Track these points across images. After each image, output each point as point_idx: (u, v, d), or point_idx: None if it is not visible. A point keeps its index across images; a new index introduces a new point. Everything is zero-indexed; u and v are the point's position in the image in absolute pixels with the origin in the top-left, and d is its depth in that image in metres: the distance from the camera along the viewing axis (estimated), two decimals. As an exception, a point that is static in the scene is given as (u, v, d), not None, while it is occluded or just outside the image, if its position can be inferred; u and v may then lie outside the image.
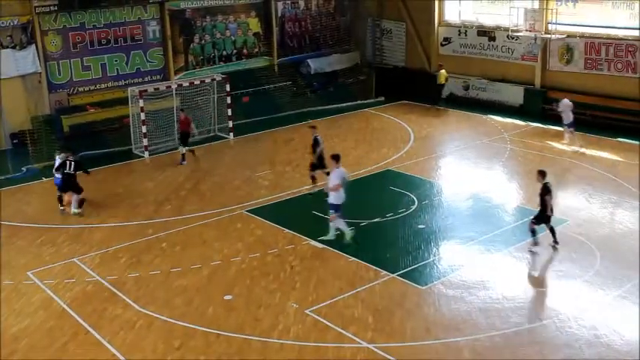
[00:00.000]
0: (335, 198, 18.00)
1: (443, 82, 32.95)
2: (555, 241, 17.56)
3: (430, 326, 14.37)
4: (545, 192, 17.20)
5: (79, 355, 13.77)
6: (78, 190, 21.27)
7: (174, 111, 28.35)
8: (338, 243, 18.20)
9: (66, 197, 21.49)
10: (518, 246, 17.87)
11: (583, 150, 25.46)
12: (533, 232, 17.56)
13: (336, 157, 18.42)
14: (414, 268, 16.84)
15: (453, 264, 17.20)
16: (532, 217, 17.71)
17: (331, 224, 18.39)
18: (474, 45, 33.70)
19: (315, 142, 21.88)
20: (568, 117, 25.91)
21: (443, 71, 32.77)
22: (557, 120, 27.34)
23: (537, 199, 17.47)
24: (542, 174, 17.48)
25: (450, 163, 25.41)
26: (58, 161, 21.40)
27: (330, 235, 18.42)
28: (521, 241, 18.02)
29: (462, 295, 15.56)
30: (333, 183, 18.02)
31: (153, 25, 31.47)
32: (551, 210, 17.34)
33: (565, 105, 26.08)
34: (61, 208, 21.42)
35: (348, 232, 18.29)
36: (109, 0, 29.57)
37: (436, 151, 26.72)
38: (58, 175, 21.25)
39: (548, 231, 17.62)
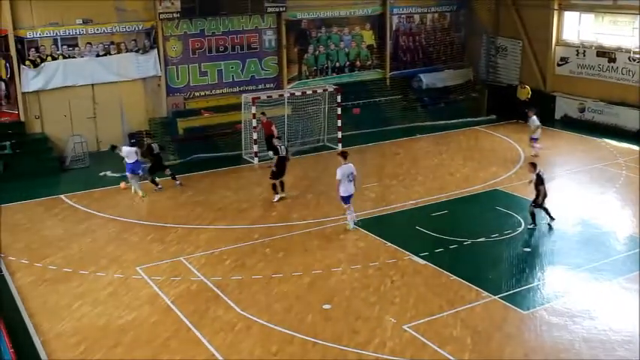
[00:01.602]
0: (341, 191, 20.00)
1: (522, 98, 32.97)
2: (551, 218, 20.47)
3: (530, 353, 14.01)
4: (540, 182, 20.22)
5: (179, 352, 14.19)
6: (164, 167, 24.91)
7: (285, 119, 28.85)
8: (440, 260, 18.06)
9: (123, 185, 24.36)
10: (628, 276, 17.19)
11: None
12: (533, 215, 20.30)
13: (343, 154, 20.69)
14: (516, 292, 16.48)
15: (558, 290, 16.73)
16: (531, 202, 20.46)
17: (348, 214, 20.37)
18: (592, 66, 32.67)
19: (275, 151, 22.93)
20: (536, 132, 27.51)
21: (526, 88, 33.10)
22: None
23: (533, 188, 20.44)
24: (533, 166, 20.62)
25: (561, 186, 24.65)
26: (128, 150, 24.01)
27: (350, 222, 20.36)
28: (632, 272, 17.35)
29: (565, 323, 15.10)
30: (336, 178, 19.96)
31: (269, 34, 32.13)
32: (544, 196, 20.24)
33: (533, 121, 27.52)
34: (159, 187, 24.31)
35: (351, 223, 20.24)
36: (229, 8, 30.38)
37: (546, 174, 25.98)
38: (131, 161, 23.72)
39: (544, 214, 20.42)
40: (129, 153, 23.87)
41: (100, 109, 28.87)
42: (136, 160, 23.80)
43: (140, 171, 24.07)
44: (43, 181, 24.88)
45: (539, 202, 20.30)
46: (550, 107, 33.60)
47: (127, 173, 23.92)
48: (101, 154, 28.36)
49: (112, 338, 14.71)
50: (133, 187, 23.83)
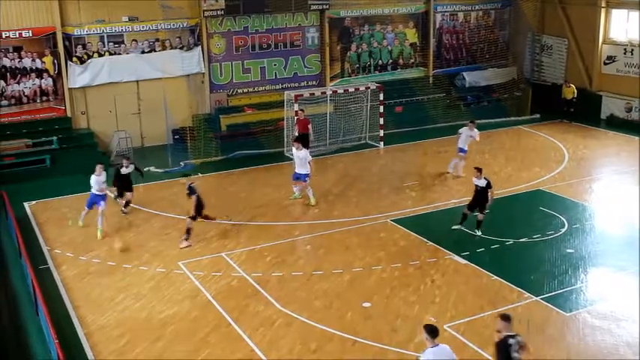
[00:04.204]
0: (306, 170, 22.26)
1: (568, 97, 32.51)
2: (461, 223, 19.95)
3: (572, 356, 13.83)
4: (489, 186, 19.41)
5: (219, 347, 14.30)
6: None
7: (328, 117, 28.88)
8: (481, 260, 17.93)
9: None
10: (674, 280, 16.89)
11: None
12: (479, 223, 19.70)
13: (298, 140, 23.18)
14: (559, 293, 16.27)
15: (602, 293, 16.48)
16: (478, 213, 19.62)
17: (297, 189, 22.71)
18: (640, 65, 32.13)
19: (191, 191, 19.57)
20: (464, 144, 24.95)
21: (571, 87, 32.58)
22: None
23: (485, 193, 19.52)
24: (479, 170, 19.62)
25: (606, 187, 24.30)
26: (102, 177, 20.69)
27: (297, 195, 22.80)
28: (679, 276, 17.04)
29: (609, 326, 14.87)
30: (309, 160, 22.21)
31: (312, 31, 32.18)
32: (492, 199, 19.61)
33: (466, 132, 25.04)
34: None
35: (313, 200, 22.35)
36: (273, 6, 30.49)
37: (591, 174, 25.68)
38: (98, 192, 20.45)
39: (463, 215, 19.92)
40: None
41: (145, 105, 29.25)
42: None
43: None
44: (89, 176, 25.17)
45: (485, 206, 19.56)
46: (596, 107, 33.11)
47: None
48: (145, 149, 28.73)
49: (153, 332, 14.90)
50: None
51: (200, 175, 25.54)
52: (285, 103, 28.45)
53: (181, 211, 21.84)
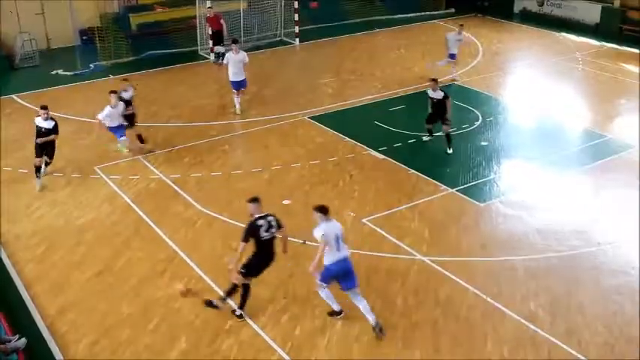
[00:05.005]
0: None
1: None
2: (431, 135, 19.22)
3: (486, 243, 14.37)
4: (447, 97, 18.38)
5: (141, 249, 14.22)
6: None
7: (241, 14, 28.20)
8: (398, 154, 18.18)
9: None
10: (582, 169, 17.59)
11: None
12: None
13: (234, 41, 21.53)
14: (473, 185, 16.75)
15: (514, 183, 17.04)
16: (443, 125, 18.64)
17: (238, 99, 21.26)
18: (552, -42, 32.34)
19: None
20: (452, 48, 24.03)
21: None
22: (634, 41, 26.38)
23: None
24: (435, 81, 18.53)
25: (519, 80, 24.82)
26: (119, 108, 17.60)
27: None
28: (585, 165, 17.73)
29: (520, 214, 15.44)
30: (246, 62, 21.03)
31: None
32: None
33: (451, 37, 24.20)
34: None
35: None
36: None
37: (504, 68, 26.09)
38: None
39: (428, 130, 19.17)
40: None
41: (49, 4, 27.81)
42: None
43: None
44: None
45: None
46: (509, 1, 33.36)
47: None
48: (52, 51, 27.57)
49: (72, 238, 14.65)
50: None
51: (111, 77, 24.80)
52: (197, 0, 27.56)
53: (92, 114, 21.31)
